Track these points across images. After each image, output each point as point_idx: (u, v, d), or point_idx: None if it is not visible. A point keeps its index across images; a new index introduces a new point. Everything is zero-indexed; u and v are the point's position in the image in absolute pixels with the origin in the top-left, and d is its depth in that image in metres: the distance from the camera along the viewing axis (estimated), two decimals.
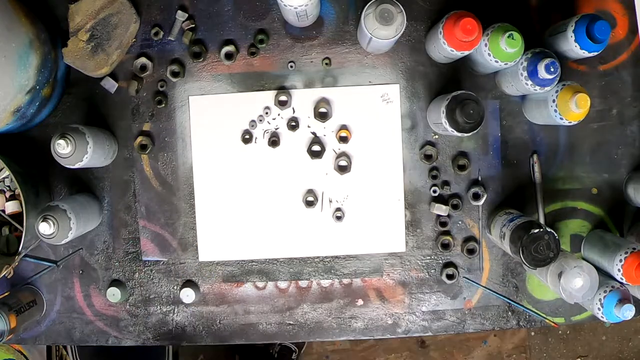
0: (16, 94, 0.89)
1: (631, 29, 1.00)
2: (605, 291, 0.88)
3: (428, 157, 1.02)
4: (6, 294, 1.00)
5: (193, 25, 1.01)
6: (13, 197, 1.02)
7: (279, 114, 1.02)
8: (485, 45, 0.87)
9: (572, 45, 0.87)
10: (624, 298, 0.87)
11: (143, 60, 1.01)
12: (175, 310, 1.05)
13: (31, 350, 1.46)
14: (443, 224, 1.02)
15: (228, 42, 1.01)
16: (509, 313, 1.04)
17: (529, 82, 0.88)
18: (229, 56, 1.01)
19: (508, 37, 0.83)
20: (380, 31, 0.85)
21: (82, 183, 1.03)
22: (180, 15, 1.01)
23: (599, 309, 0.89)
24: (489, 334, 1.89)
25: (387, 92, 1.01)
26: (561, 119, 0.88)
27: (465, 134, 0.88)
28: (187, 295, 1.01)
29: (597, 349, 1.91)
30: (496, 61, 0.87)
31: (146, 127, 1.03)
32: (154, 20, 1.02)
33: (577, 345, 1.91)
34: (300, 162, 1.02)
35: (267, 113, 1.02)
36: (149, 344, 1.05)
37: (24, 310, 0.98)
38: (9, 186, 1.03)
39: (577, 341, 1.90)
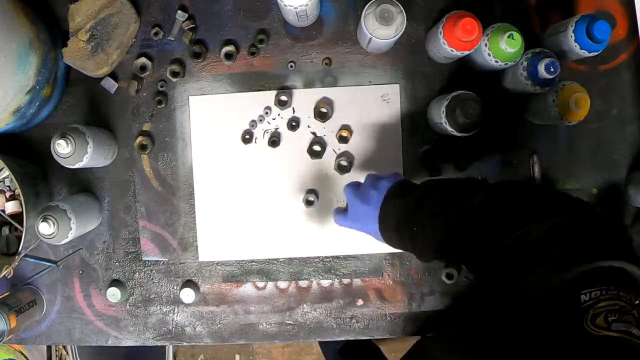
0: (16, 94, 0.89)
1: (631, 29, 1.00)
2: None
3: (428, 157, 1.01)
4: (6, 294, 1.00)
5: (193, 25, 1.01)
6: (13, 197, 1.02)
7: (279, 114, 1.02)
8: (485, 45, 0.87)
9: (572, 45, 0.87)
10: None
11: (143, 60, 1.01)
12: (175, 310, 1.05)
13: (31, 350, 1.46)
14: None
15: (228, 42, 1.01)
16: None
17: (529, 82, 0.88)
18: (229, 56, 1.01)
19: (508, 37, 0.83)
20: (380, 31, 0.85)
21: (82, 183, 1.03)
22: (180, 15, 1.01)
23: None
24: None
25: (387, 92, 1.01)
26: (561, 119, 0.88)
27: (466, 134, 0.88)
28: (187, 295, 1.01)
29: None
30: (496, 61, 0.87)
31: (146, 127, 1.03)
32: (154, 20, 1.02)
33: None
34: (300, 162, 1.02)
35: (267, 113, 1.01)
36: (149, 344, 1.05)
37: (24, 310, 0.98)
38: (9, 186, 1.03)
39: None
